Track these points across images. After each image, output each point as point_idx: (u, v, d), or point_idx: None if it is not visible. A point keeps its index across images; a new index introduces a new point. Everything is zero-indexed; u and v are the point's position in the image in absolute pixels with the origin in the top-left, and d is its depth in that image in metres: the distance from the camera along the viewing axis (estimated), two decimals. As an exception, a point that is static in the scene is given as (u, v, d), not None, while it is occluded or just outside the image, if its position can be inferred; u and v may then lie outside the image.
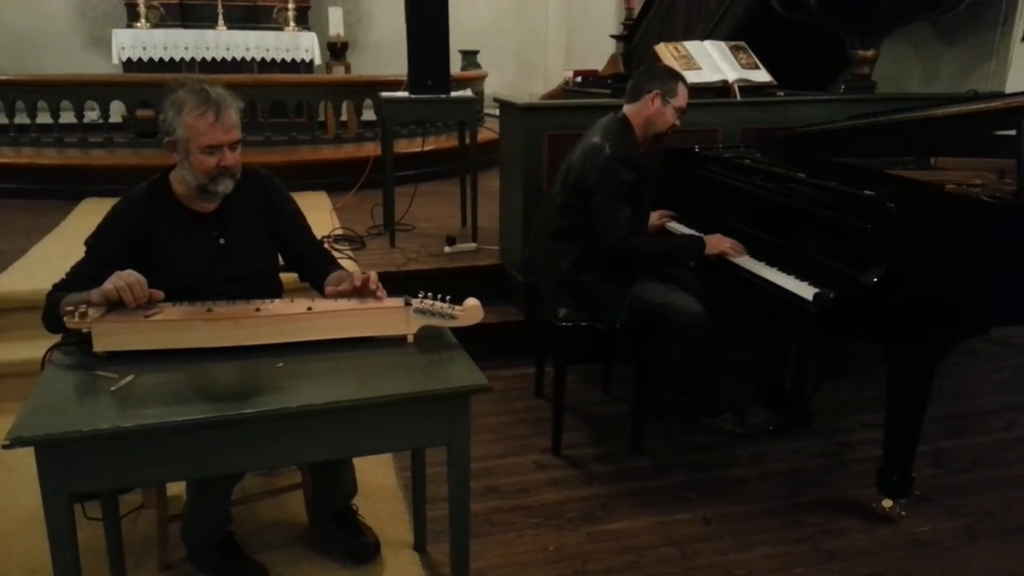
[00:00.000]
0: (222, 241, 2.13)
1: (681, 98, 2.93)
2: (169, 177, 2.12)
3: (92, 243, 2.07)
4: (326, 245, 4.11)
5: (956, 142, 3.31)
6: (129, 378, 1.74)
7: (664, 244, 3.13)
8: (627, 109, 2.95)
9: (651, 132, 2.94)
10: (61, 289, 1.98)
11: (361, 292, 2.05)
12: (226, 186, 2.06)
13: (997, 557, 2.42)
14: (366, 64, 9.17)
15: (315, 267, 2.27)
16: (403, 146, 5.98)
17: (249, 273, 2.15)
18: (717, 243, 2.89)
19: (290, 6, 8.49)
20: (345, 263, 3.81)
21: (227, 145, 2.01)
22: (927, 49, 5.58)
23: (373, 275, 2.07)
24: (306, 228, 2.32)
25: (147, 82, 6.21)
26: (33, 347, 2.33)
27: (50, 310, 1.95)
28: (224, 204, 2.14)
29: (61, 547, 1.63)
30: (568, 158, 2.98)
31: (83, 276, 1.99)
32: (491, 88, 8.02)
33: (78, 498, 1.93)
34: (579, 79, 6.47)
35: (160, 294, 1.93)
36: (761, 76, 4.22)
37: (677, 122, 2.96)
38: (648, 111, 2.90)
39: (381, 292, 2.05)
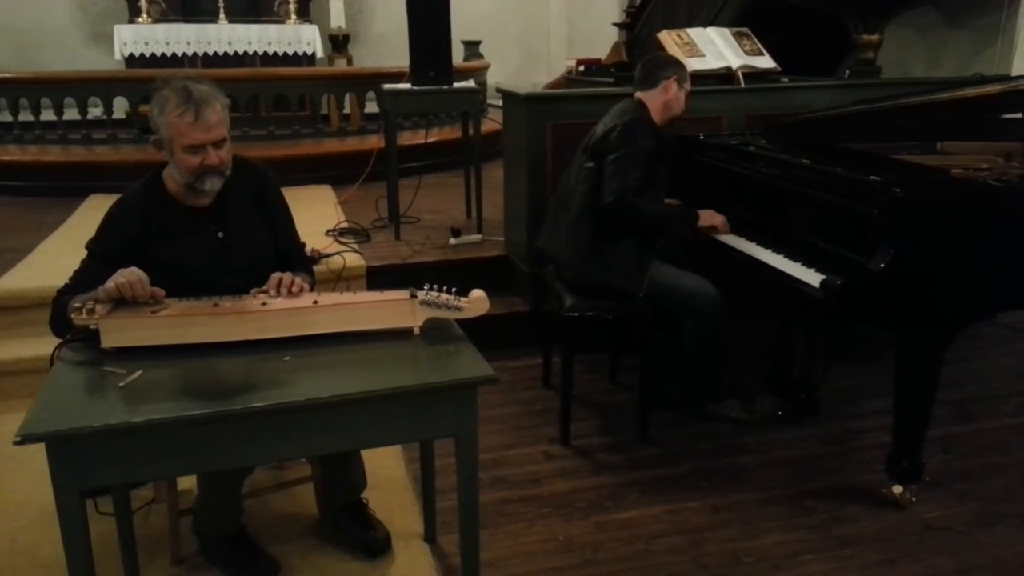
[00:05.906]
0: (221, 235, 2.13)
1: (689, 83, 3.07)
2: (162, 175, 2.11)
3: (92, 247, 2.07)
4: (331, 238, 4.15)
5: (962, 126, 3.29)
6: (137, 373, 1.75)
7: (662, 210, 3.14)
8: (642, 95, 3.01)
9: (668, 116, 3.02)
10: (66, 294, 1.98)
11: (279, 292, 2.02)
12: (213, 184, 2.04)
13: (1008, 542, 2.41)
14: (368, 56, 9.15)
15: (291, 268, 2.16)
16: (406, 138, 5.98)
17: (249, 264, 2.14)
18: (709, 217, 3.01)
19: (291, -1, 8.47)
20: (350, 256, 3.83)
21: (210, 144, 1.99)
22: (932, 33, 5.54)
23: (286, 277, 2.03)
24: (291, 226, 2.31)
25: (149, 77, 6.16)
26: (42, 344, 2.34)
27: (57, 315, 1.95)
28: (220, 197, 2.12)
29: (74, 542, 1.64)
30: (583, 142, 3.02)
31: (86, 280, 1.99)
32: (494, 78, 7.99)
33: (90, 493, 1.95)
34: (582, 68, 6.42)
35: (161, 292, 1.93)
36: (765, 62, 4.19)
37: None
38: (667, 96, 2.99)
39: (295, 288, 2.01)
